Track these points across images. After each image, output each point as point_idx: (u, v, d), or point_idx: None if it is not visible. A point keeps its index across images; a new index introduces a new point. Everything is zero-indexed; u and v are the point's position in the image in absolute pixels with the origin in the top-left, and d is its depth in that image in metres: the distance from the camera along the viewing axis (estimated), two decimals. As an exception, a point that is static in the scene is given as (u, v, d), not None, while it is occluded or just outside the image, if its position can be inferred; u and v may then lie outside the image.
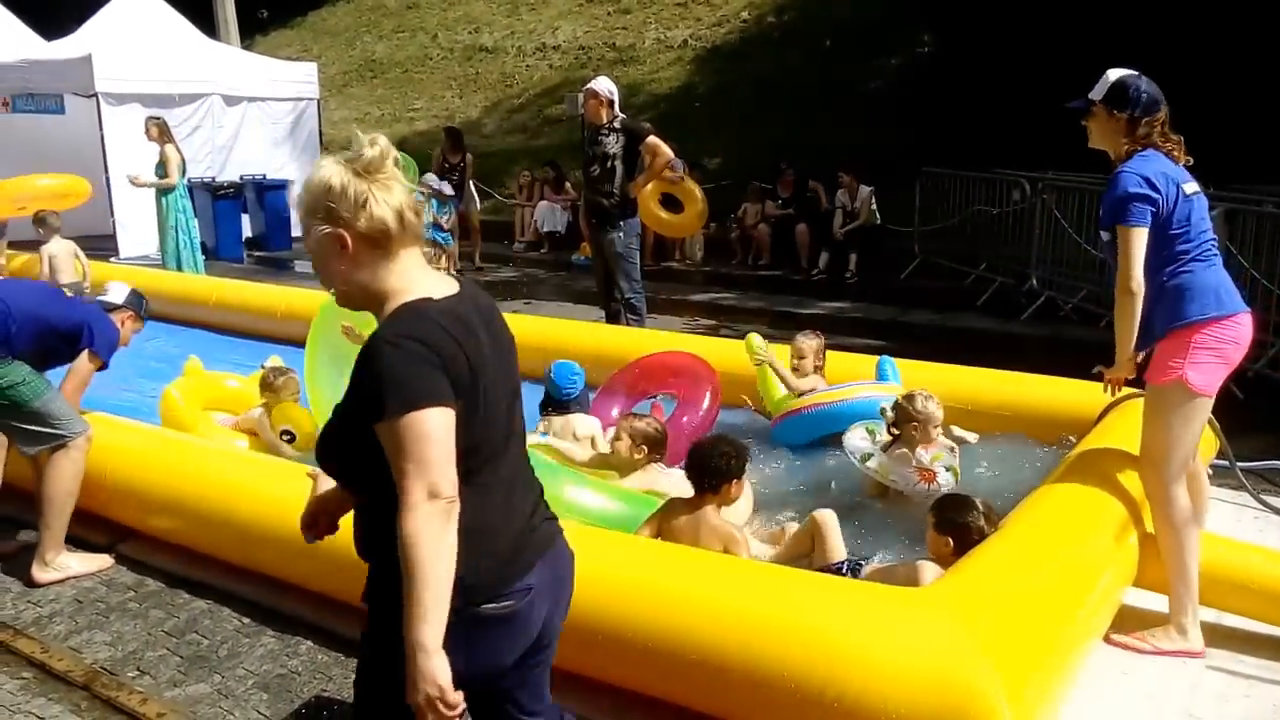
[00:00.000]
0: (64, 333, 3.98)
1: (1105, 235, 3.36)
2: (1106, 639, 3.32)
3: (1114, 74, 3.38)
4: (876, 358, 5.29)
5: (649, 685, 2.96)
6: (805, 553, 3.71)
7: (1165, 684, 3.15)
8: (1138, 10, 11.13)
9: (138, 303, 4.38)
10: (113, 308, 4.26)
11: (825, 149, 12.96)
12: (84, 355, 3.99)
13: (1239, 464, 4.41)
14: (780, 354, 5.34)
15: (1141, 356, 3.47)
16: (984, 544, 3.19)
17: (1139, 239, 3.20)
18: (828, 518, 3.70)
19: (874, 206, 11.39)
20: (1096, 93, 3.37)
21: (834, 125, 14.11)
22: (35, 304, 3.98)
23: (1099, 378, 3.62)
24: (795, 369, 5.24)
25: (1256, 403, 5.96)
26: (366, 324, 4.62)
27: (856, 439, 4.41)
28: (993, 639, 2.59)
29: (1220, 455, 4.42)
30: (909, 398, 4.38)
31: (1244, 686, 3.14)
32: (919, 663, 2.51)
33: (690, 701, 2.88)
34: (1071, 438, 4.39)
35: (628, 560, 3.12)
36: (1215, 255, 3.33)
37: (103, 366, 4.07)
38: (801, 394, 5.01)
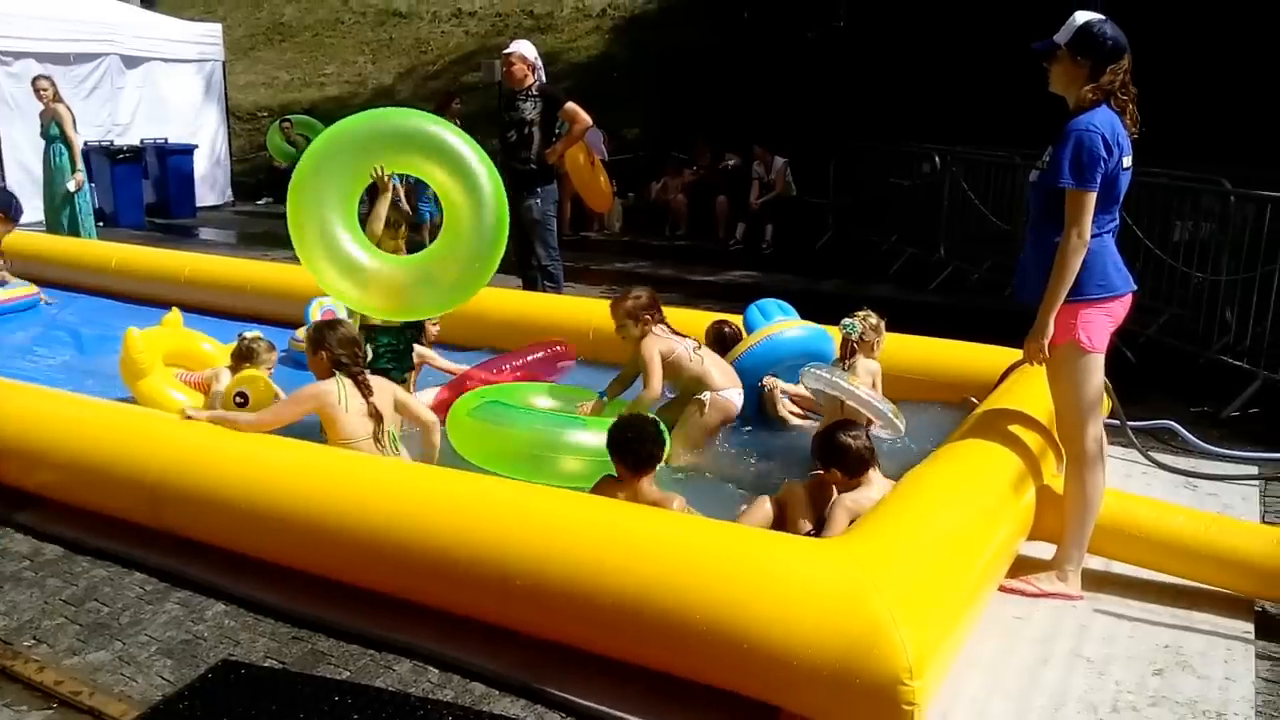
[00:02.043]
0: None
1: (1034, 177, 3.37)
2: (1002, 585, 3.46)
3: (1081, 17, 3.30)
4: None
5: (568, 635, 3.00)
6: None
7: (1056, 627, 3.30)
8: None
9: (7, 202, 4.17)
10: None
11: (742, 120, 13.02)
12: None
13: (1129, 423, 4.61)
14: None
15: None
16: (891, 496, 3.29)
17: (1092, 201, 3.20)
18: (797, 489, 3.69)
19: (789, 178, 11.52)
20: (1062, 36, 3.30)
21: (751, 97, 14.17)
22: None
23: (1026, 361, 3.46)
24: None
25: (1147, 366, 6.24)
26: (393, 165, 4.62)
27: (844, 380, 4.42)
28: (898, 584, 2.68)
29: (1112, 415, 4.62)
30: (863, 316, 4.70)
31: (1129, 628, 3.31)
32: (828, 608, 2.59)
33: (610, 650, 2.93)
34: (974, 399, 4.55)
35: (550, 511, 3.15)
36: (1115, 230, 3.40)
37: None
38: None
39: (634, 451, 3.53)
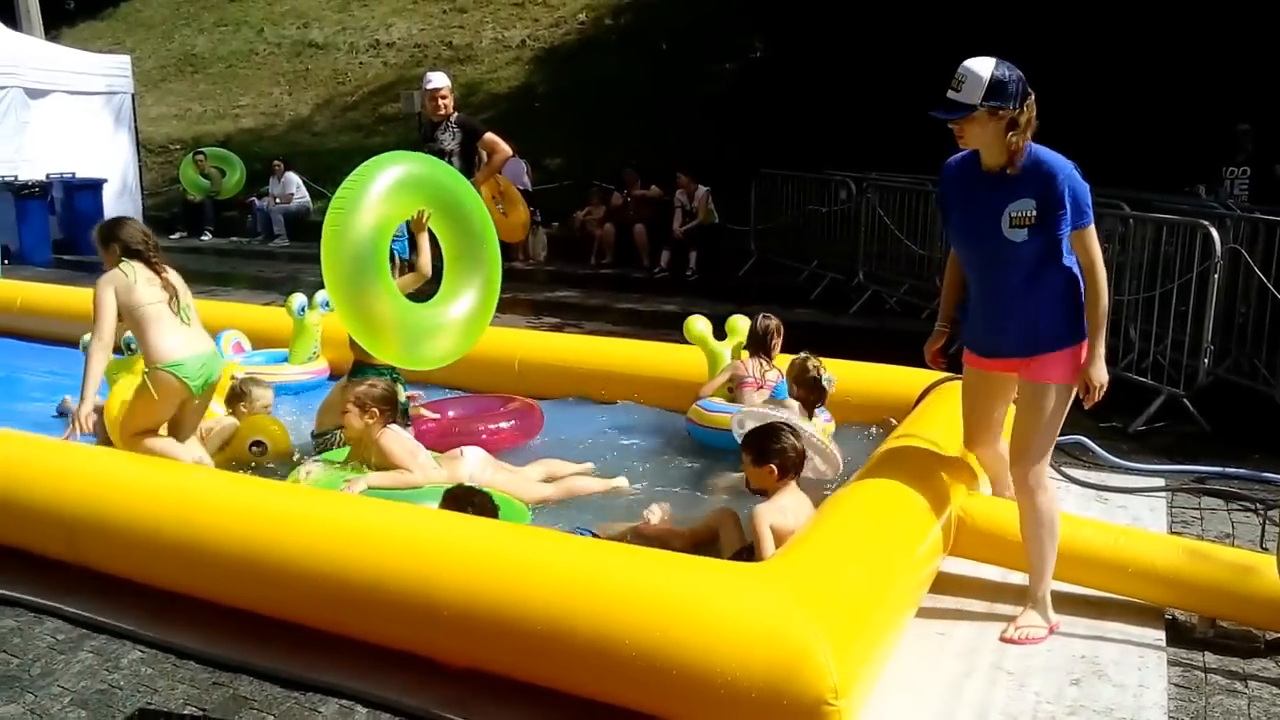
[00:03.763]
0: None
1: (1022, 237, 3.16)
2: (1003, 639, 3.37)
3: (983, 70, 3.05)
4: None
5: (497, 665, 2.97)
6: (709, 542, 3.76)
7: (978, 642, 3.38)
8: (955, 13, 11.83)
9: None
10: None
11: (664, 150, 13.20)
12: None
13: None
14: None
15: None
16: (815, 518, 3.35)
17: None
18: (728, 514, 3.79)
19: (711, 206, 11.68)
20: (971, 95, 3.05)
21: (672, 127, 14.37)
22: None
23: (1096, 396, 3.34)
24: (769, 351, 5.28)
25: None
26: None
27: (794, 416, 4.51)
28: (822, 607, 2.72)
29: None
30: (804, 366, 4.83)
31: (1047, 641, 3.40)
32: (753, 631, 2.62)
33: (540, 678, 2.92)
34: (893, 420, 4.66)
35: (477, 541, 3.14)
36: None
37: None
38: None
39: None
